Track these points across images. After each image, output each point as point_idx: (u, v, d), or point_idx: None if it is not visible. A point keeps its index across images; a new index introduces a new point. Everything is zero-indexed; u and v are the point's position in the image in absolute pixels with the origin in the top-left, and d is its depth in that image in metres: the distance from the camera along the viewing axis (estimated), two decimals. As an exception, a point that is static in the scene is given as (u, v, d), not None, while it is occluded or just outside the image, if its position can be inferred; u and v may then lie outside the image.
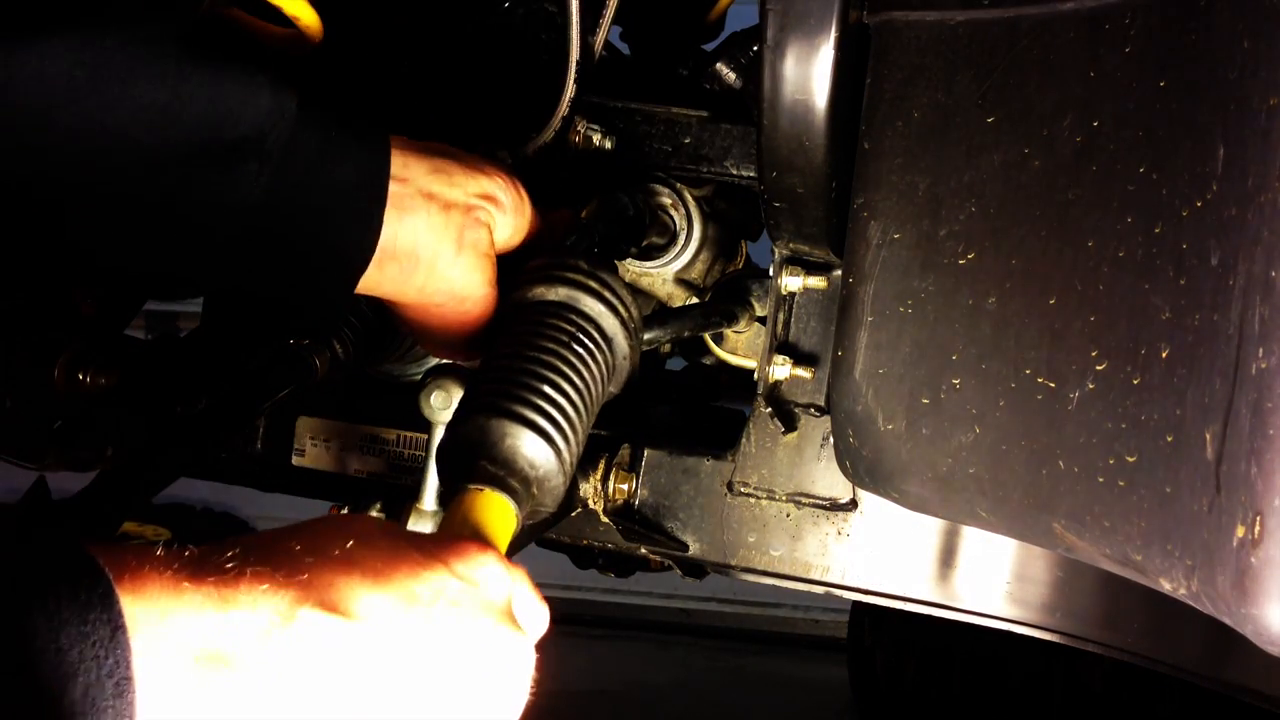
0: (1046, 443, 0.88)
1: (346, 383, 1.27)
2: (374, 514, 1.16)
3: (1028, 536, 0.97)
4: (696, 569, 1.39)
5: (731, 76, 1.27)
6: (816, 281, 1.23)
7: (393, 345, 1.25)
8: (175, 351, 1.39)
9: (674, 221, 1.28)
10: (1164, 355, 0.78)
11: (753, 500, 1.27)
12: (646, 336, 1.18)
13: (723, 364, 1.36)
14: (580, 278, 0.95)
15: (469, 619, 0.69)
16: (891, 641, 2.45)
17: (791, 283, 1.23)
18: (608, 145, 1.26)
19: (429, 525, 1.10)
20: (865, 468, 1.05)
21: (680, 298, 1.34)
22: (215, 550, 0.63)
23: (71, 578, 0.57)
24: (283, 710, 0.62)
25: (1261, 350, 0.70)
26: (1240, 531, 0.70)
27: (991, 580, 1.23)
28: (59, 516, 1.07)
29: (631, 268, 1.30)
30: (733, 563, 1.27)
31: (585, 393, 0.91)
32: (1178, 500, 0.75)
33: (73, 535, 0.59)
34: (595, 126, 1.25)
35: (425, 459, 1.16)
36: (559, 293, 0.95)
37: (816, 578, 1.26)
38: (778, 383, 1.26)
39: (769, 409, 1.26)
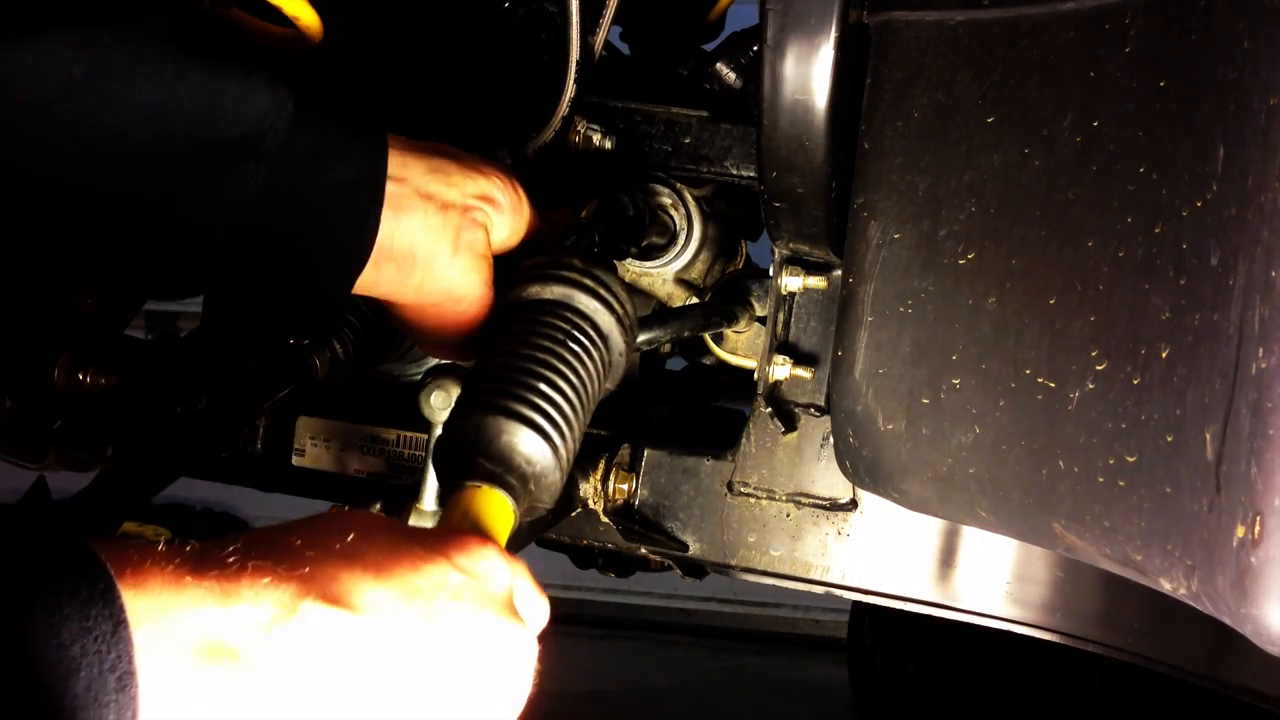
0: (1046, 443, 0.88)
1: (346, 383, 1.27)
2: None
3: (1028, 536, 0.97)
4: (696, 569, 1.39)
5: (731, 76, 1.27)
6: (816, 281, 1.23)
7: (393, 345, 1.25)
8: (175, 351, 1.39)
9: (674, 221, 1.28)
10: (1164, 355, 0.78)
11: (753, 500, 1.27)
12: (647, 336, 1.18)
13: (723, 364, 1.36)
14: (575, 275, 0.95)
15: (471, 611, 0.69)
16: (891, 641, 2.44)
17: (791, 283, 1.23)
18: (608, 145, 1.26)
19: (429, 524, 1.10)
20: (865, 468, 1.05)
21: (680, 298, 1.34)
22: (217, 546, 0.64)
23: (73, 573, 0.57)
24: (286, 703, 0.62)
25: (1261, 350, 0.70)
26: (1240, 531, 0.70)
27: (991, 580, 1.23)
28: (59, 516, 1.08)
29: (631, 268, 1.30)
30: (733, 563, 1.27)
31: (581, 390, 0.91)
32: (1178, 500, 0.75)
33: (74, 531, 0.59)
34: (595, 126, 1.25)
35: (425, 459, 1.16)
36: (554, 291, 0.95)
37: (816, 578, 1.26)
38: (778, 383, 1.26)
39: (769, 409, 1.26)
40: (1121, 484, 0.81)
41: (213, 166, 0.84)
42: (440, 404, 1.07)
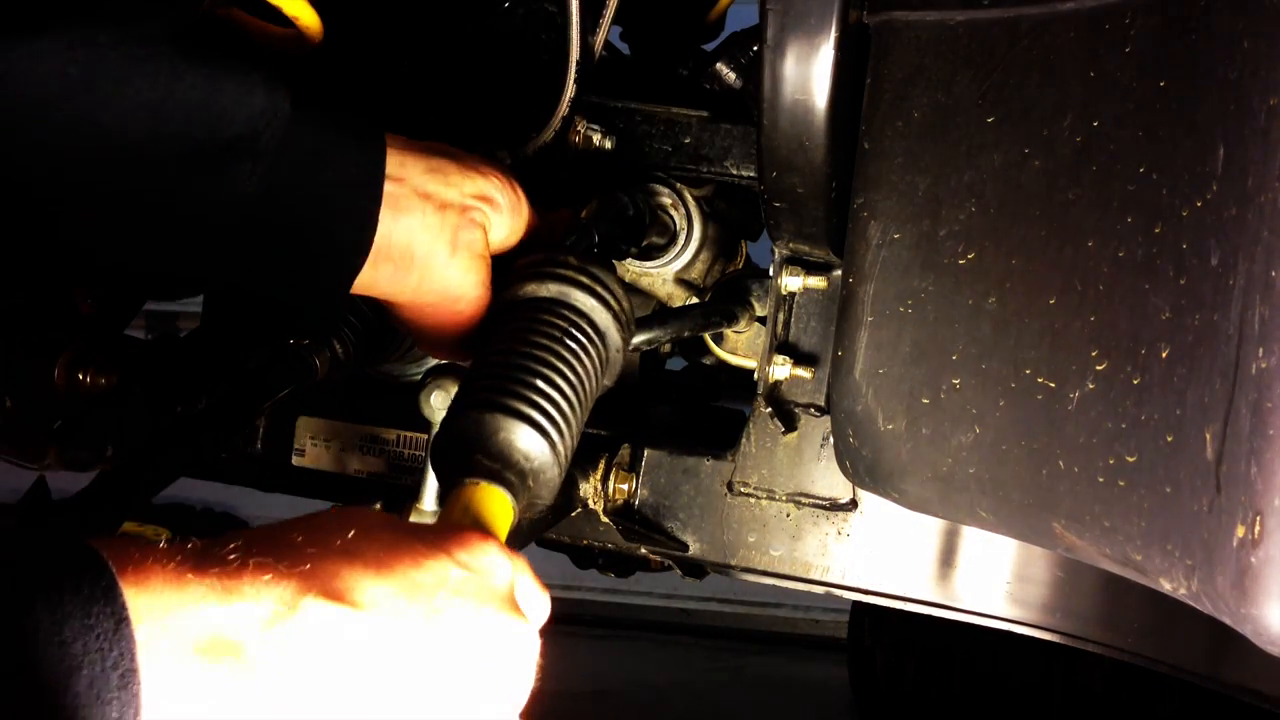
0: (1046, 443, 0.88)
1: (346, 383, 1.27)
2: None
3: (1028, 536, 0.97)
4: (696, 569, 1.39)
5: (731, 76, 1.27)
6: (816, 281, 1.23)
7: (393, 345, 1.25)
8: (175, 351, 1.39)
9: (674, 221, 1.28)
10: (1164, 355, 0.78)
11: (753, 500, 1.27)
12: (647, 336, 1.18)
13: (723, 364, 1.36)
14: (571, 273, 0.95)
15: (472, 606, 0.69)
16: (891, 641, 2.44)
17: (791, 283, 1.23)
18: (608, 145, 1.26)
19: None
20: (865, 468, 1.05)
21: (680, 298, 1.34)
22: (217, 543, 0.64)
23: (74, 571, 0.57)
24: (288, 699, 0.62)
25: (1261, 350, 0.70)
26: (1240, 531, 0.70)
27: (991, 580, 1.23)
28: (59, 516, 1.08)
29: (631, 268, 1.30)
30: (733, 563, 1.27)
31: (579, 386, 0.91)
32: (1178, 500, 0.75)
33: (75, 529, 0.59)
34: (595, 126, 1.25)
35: (425, 459, 1.16)
36: (550, 289, 0.95)
37: (816, 578, 1.26)
38: (778, 383, 1.26)
39: (769, 409, 1.26)
40: (1121, 484, 0.81)
41: (210, 167, 0.84)
42: (440, 404, 1.07)
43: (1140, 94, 0.83)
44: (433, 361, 1.27)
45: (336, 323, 1.16)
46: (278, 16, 1.10)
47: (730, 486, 1.27)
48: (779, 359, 1.24)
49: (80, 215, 0.84)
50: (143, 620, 0.57)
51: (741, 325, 1.30)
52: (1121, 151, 0.84)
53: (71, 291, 1.26)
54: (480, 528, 0.79)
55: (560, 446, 0.88)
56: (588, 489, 1.26)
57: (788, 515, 1.26)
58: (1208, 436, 0.73)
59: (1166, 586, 0.79)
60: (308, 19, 1.10)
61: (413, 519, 1.11)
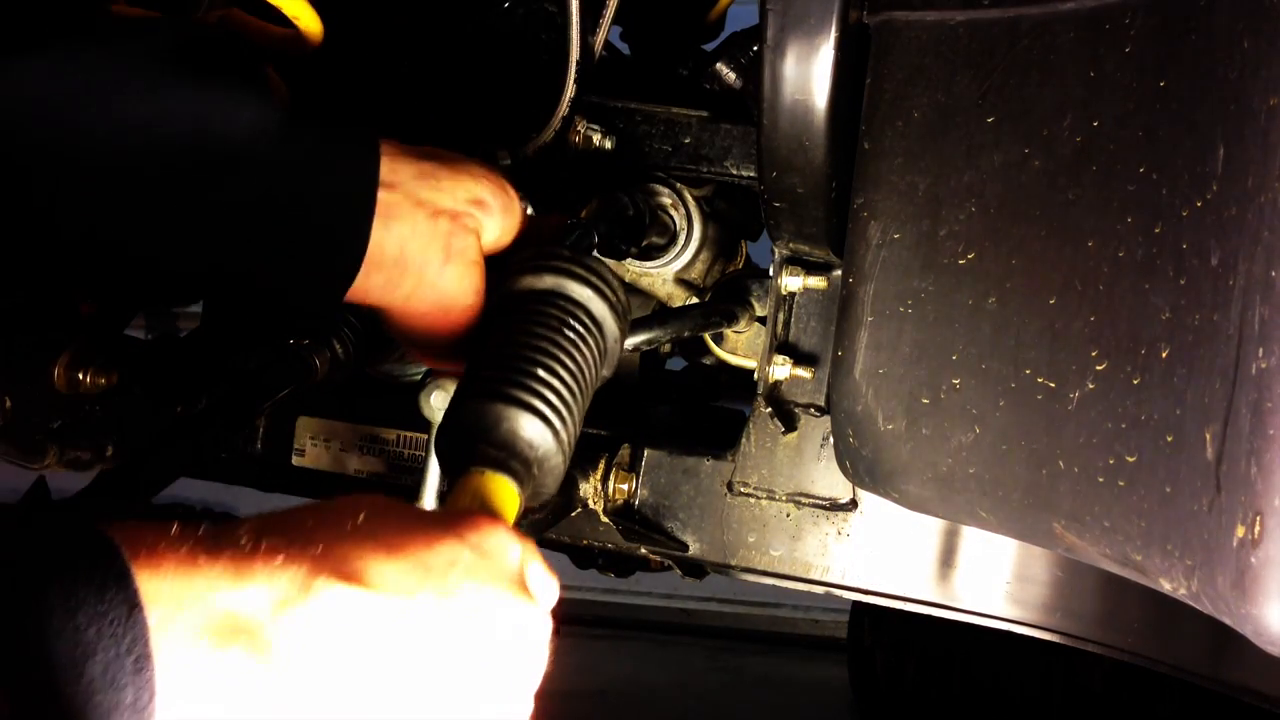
0: (1046, 443, 0.88)
1: (346, 383, 1.27)
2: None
3: (1028, 536, 0.97)
4: (696, 569, 1.39)
5: (731, 76, 1.27)
6: (816, 281, 1.23)
7: (393, 345, 1.25)
8: (175, 351, 1.39)
9: (674, 221, 1.28)
10: (1164, 355, 0.78)
11: (753, 500, 1.27)
12: (647, 336, 1.17)
13: (723, 364, 1.36)
14: (565, 265, 0.95)
15: (484, 586, 0.70)
16: (891, 641, 2.44)
17: (791, 283, 1.23)
18: (608, 145, 1.26)
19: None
20: (865, 468, 1.05)
21: (680, 298, 1.34)
22: (229, 528, 0.64)
23: (87, 557, 0.57)
24: (302, 680, 0.62)
25: (1261, 350, 0.70)
26: (1240, 531, 0.70)
27: (991, 580, 1.23)
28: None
29: (631, 268, 1.30)
30: (733, 563, 1.27)
31: (579, 375, 0.91)
32: (1178, 500, 0.75)
33: (87, 515, 0.60)
34: (595, 126, 1.25)
35: (425, 459, 1.16)
36: (546, 281, 0.95)
37: (816, 578, 1.26)
38: (778, 383, 1.26)
39: (769, 409, 1.26)
40: (1121, 484, 0.81)
41: (200, 182, 0.84)
42: (440, 404, 1.07)
43: (1140, 94, 0.83)
44: (432, 361, 1.27)
45: (336, 323, 1.16)
46: (278, 16, 1.10)
47: (730, 486, 1.27)
48: (779, 359, 1.24)
49: (69, 229, 0.84)
50: (155, 604, 0.58)
51: (741, 325, 1.30)
52: (1121, 151, 0.84)
53: (72, 292, 1.26)
54: (489, 512, 0.80)
55: (563, 435, 0.88)
56: (588, 489, 1.26)
57: (788, 515, 1.26)
58: (1208, 436, 0.73)
59: (1166, 586, 0.79)
60: (307, 19, 1.10)
61: (413, 518, 1.10)
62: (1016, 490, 0.91)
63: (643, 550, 1.30)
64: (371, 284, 0.93)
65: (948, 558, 1.24)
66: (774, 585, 1.28)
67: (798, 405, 1.26)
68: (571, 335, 0.92)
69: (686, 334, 1.24)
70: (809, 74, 1.00)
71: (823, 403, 1.25)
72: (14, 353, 1.22)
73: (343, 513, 0.69)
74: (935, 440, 0.97)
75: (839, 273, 1.20)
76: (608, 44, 1.25)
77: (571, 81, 1.19)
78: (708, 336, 1.33)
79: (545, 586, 0.76)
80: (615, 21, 1.25)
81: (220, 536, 0.63)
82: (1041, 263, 0.89)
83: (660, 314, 1.23)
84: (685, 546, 1.27)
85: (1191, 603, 0.77)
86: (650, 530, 1.27)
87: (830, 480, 1.25)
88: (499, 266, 1.00)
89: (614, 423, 1.30)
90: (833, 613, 3.39)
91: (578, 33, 1.18)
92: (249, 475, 1.41)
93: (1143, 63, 0.84)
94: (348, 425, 1.36)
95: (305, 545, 0.65)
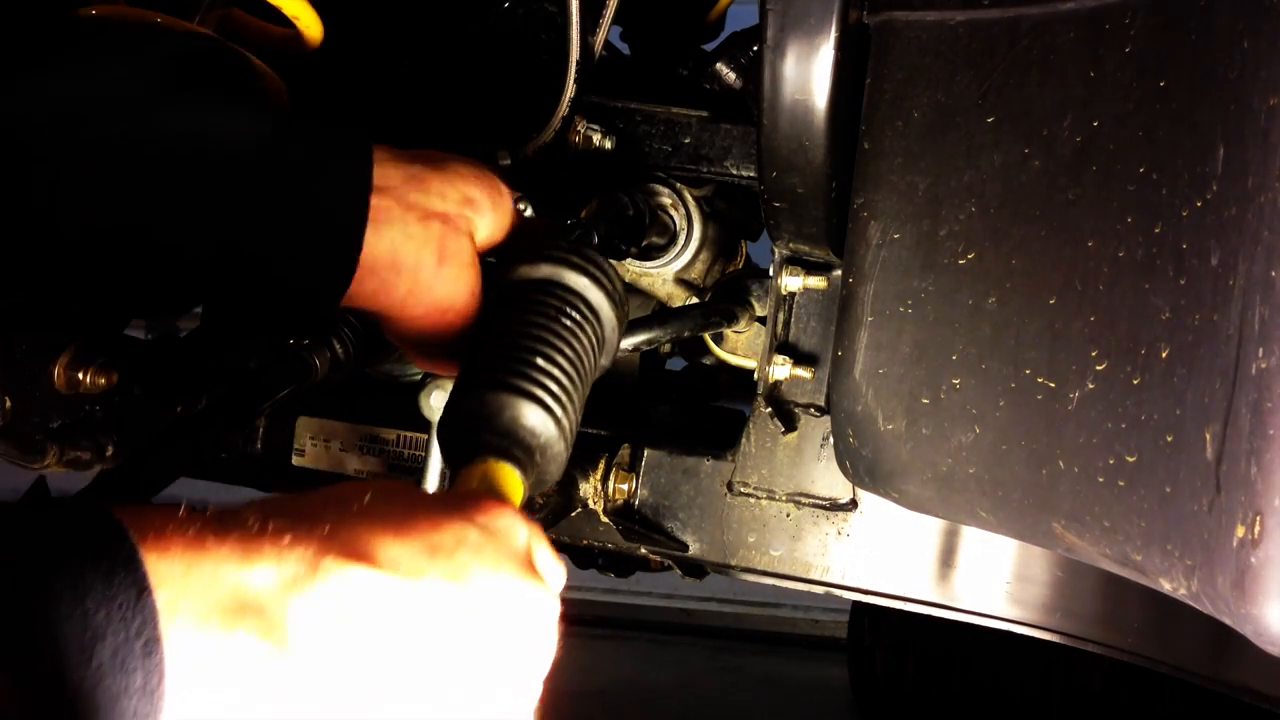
0: (1046, 443, 0.88)
1: (346, 383, 1.27)
2: None
3: (1028, 536, 0.97)
4: (696, 569, 1.39)
5: (731, 76, 1.27)
6: (816, 281, 1.23)
7: (392, 346, 1.25)
8: (175, 351, 1.39)
9: (674, 221, 1.28)
10: (1164, 355, 0.78)
11: (753, 500, 1.27)
12: (647, 336, 1.17)
13: (723, 364, 1.36)
14: (561, 253, 0.95)
15: (492, 566, 0.70)
16: (891, 641, 2.44)
17: (791, 283, 1.23)
18: (608, 145, 1.26)
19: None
20: (865, 468, 1.05)
21: (680, 298, 1.34)
22: (236, 511, 0.64)
23: (95, 540, 0.57)
24: (311, 660, 0.63)
25: (1261, 350, 0.70)
26: (1240, 531, 0.70)
27: (991, 580, 1.23)
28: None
29: (631, 268, 1.30)
30: (733, 563, 1.28)
31: (578, 363, 0.92)
32: (1178, 500, 0.75)
33: (95, 500, 0.60)
34: (595, 126, 1.25)
35: (425, 459, 1.16)
36: (542, 270, 0.95)
37: (816, 578, 1.26)
38: (778, 383, 1.26)
39: (769, 409, 1.26)
40: (1121, 484, 0.81)
41: (195, 192, 0.85)
42: (440, 404, 1.07)
43: (1140, 94, 0.83)
44: (432, 362, 1.27)
45: (335, 324, 1.16)
46: (278, 16, 1.10)
47: (730, 486, 1.27)
48: (779, 359, 1.24)
49: (64, 243, 0.85)
50: (164, 587, 0.58)
51: (741, 325, 1.30)
52: (1121, 151, 0.84)
53: (72, 292, 1.26)
54: (495, 495, 0.80)
55: (565, 422, 0.88)
56: (588, 489, 1.26)
57: (788, 515, 1.26)
58: (1208, 436, 0.73)
59: (1166, 586, 0.79)
60: (307, 19, 1.10)
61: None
62: (1016, 490, 0.91)
63: (643, 550, 1.30)
64: (366, 289, 0.94)
65: (948, 558, 1.24)
66: (774, 585, 1.28)
67: (798, 405, 1.26)
68: (569, 323, 0.92)
69: (686, 334, 1.24)
70: (809, 74, 1.00)
71: (823, 403, 1.25)
72: (14, 353, 1.22)
73: (350, 495, 0.69)
74: (935, 440, 0.97)
75: (839, 273, 1.20)
76: (608, 44, 1.25)
77: (571, 81, 1.19)
78: (708, 336, 1.33)
79: (553, 570, 0.77)
80: (615, 21, 1.25)
81: (227, 519, 0.63)
82: (1041, 263, 0.89)
83: (660, 314, 1.23)
84: (685, 546, 1.27)
85: (1191, 603, 0.77)
86: (650, 530, 1.27)
87: (830, 480, 1.25)
88: (495, 264, 1.00)
89: (614, 423, 1.30)
90: (833, 613, 3.39)
91: (578, 33, 1.18)
92: (249, 475, 1.41)
93: (1143, 63, 0.84)
94: (348, 425, 1.36)
95: (313, 526, 0.65)
